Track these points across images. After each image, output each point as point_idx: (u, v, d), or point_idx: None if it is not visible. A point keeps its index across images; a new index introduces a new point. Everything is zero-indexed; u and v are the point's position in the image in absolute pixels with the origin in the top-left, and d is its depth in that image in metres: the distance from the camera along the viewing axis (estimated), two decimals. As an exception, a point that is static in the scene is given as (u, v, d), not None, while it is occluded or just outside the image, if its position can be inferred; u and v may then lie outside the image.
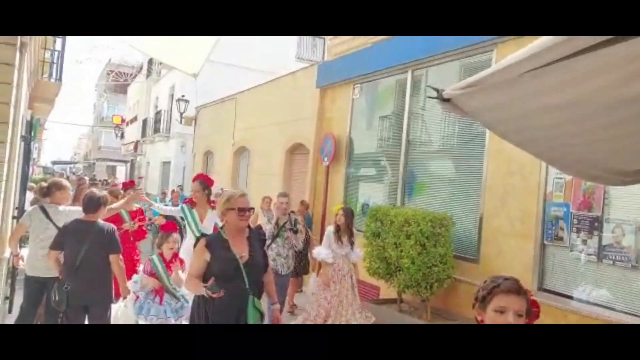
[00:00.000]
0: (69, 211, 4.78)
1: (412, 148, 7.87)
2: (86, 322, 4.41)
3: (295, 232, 6.51)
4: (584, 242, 5.23)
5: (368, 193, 8.94)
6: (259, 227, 5.98)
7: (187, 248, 5.37)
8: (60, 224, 4.61)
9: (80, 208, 4.59)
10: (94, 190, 4.79)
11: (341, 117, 9.56)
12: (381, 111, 8.75)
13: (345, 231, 6.26)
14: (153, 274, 4.96)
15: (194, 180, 6.13)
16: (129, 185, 7.85)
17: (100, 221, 4.48)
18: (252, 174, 13.35)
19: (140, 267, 5.50)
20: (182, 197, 11.58)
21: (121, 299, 4.83)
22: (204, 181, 5.99)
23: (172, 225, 5.53)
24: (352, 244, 6.28)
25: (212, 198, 5.98)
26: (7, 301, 5.77)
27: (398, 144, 8.08)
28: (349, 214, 6.39)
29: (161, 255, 5.04)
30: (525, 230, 5.78)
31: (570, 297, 5.30)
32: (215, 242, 3.48)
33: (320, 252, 6.30)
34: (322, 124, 10.15)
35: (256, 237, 3.69)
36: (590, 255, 5.16)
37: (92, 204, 4.42)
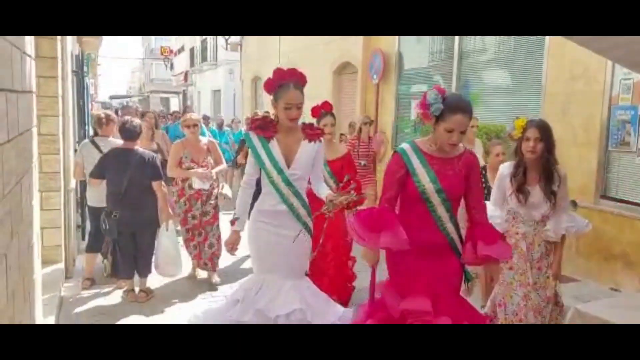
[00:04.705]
0: (118, 143, 4.91)
1: (465, 59, 7.49)
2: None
3: None
4: (654, 146, 4.92)
5: (420, 109, 8.66)
6: None
7: (262, 210, 3.30)
8: None
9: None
10: (132, 118, 4.83)
11: (389, 31, 9.14)
12: (431, 21, 8.29)
13: (535, 170, 3.32)
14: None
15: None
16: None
17: (140, 149, 4.61)
18: (301, 97, 13.19)
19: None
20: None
21: (163, 224, 4.69)
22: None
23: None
24: (552, 194, 3.27)
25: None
26: (79, 229, 6.15)
27: (450, 55, 7.70)
28: (545, 132, 3.28)
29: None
30: (588, 138, 5.49)
31: (637, 204, 5.07)
32: None
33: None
34: (369, 40, 9.76)
35: None
36: (660, 160, 4.87)
37: (130, 132, 4.55)
